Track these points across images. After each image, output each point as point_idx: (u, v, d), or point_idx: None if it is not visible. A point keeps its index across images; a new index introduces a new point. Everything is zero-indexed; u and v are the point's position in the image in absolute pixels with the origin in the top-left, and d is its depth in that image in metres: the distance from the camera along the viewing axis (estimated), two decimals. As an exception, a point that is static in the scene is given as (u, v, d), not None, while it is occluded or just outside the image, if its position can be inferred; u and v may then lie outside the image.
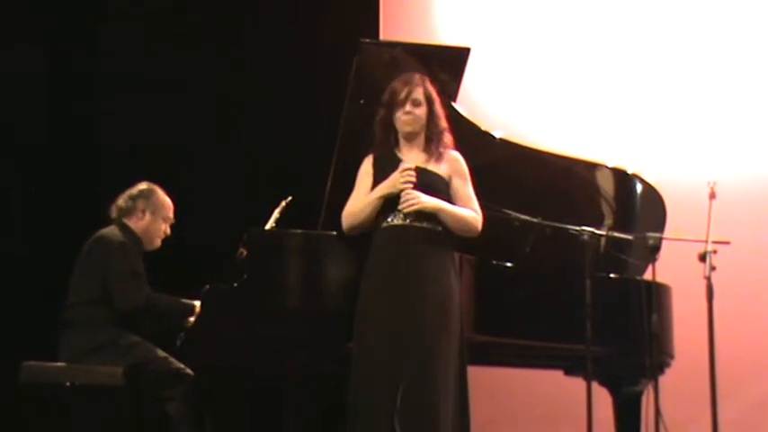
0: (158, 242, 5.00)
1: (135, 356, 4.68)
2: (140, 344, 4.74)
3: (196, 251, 5.81)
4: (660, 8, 6.75)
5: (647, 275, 4.96)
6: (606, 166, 5.28)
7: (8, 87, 6.45)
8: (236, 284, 4.49)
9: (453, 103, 4.86)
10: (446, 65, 4.85)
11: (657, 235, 4.88)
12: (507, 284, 4.82)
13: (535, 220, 4.96)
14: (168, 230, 5.02)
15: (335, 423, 4.49)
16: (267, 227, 4.80)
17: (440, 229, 4.38)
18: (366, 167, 4.51)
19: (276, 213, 4.90)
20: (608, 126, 6.67)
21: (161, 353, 4.72)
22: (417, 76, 4.50)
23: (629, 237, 5.03)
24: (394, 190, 4.36)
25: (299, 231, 4.60)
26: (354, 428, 4.26)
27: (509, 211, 4.92)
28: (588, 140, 6.43)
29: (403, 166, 4.37)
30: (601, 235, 4.99)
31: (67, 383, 4.62)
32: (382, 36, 6.59)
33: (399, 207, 4.35)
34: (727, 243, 4.71)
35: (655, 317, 4.78)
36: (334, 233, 4.54)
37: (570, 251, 4.78)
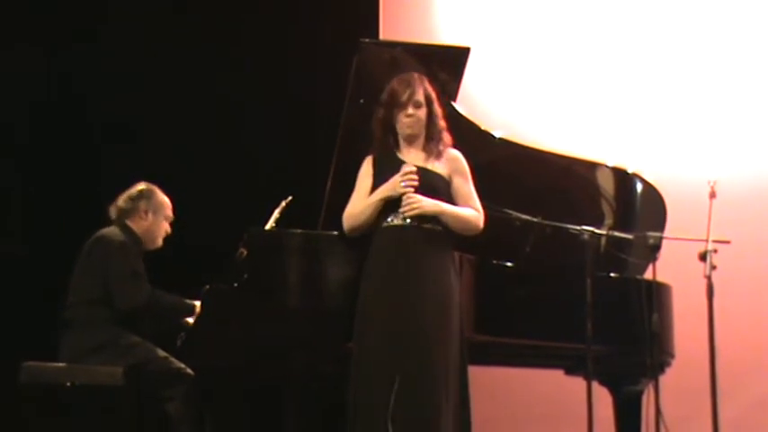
0: (160, 241, 5.02)
1: (135, 356, 4.68)
2: (141, 344, 4.74)
3: (196, 251, 5.81)
4: (660, 7, 6.74)
5: (648, 275, 4.95)
6: (606, 166, 5.28)
7: (8, 87, 6.45)
8: (236, 284, 4.49)
9: (453, 103, 4.86)
10: (446, 65, 4.85)
11: (658, 234, 4.87)
12: (507, 284, 4.82)
13: (535, 219, 4.95)
14: (169, 229, 5.03)
15: (335, 423, 4.49)
16: (267, 227, 4.80)
17: (440, 229, 4.38)
18: (366, 168, 4.51)
19: (276, 213, 4.89)
20: (608, 125, 6.66)
21: (161, 353, 4.72)
22: (416, 76, 4.49)
23: (630, 236, 5.03)
24: (394, 193, 4.35)
25: (299, 231, 4.60)
26: (354, 428, 4.25)
27: (509, 211, 4.91)
28: (588, 140, 6.42)
29: (404, 168, 4.36)
30: (601, 234, 4.99)
31: (68, 384, 4.62)
32: (382, 36, 6.58)
33: (400, 210, 4.35)
34: (728, 242, 4.71)
35: (655, 316, 4.78)
36: (335, 233, 4.54)
37: (570, 250, 4.78)
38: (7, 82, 6.45)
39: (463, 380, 4.34)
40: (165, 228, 5.01)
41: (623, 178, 5.29)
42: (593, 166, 5.28)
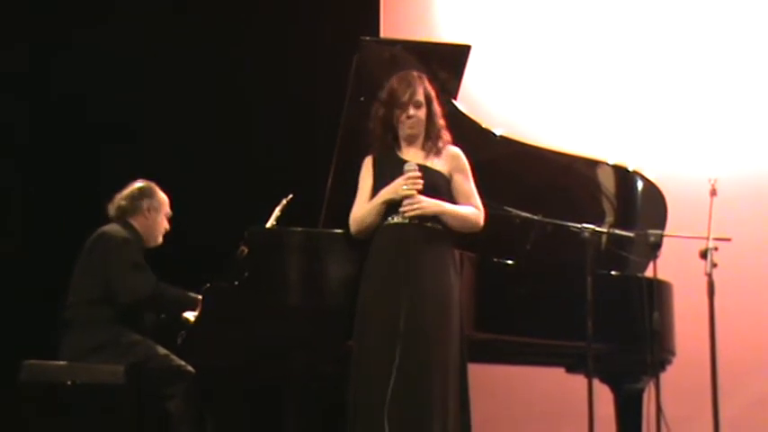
0: (161, 238, 5.03)
1: (136, 355, 4.68)
2: (141, 342, 4.73)
3: (196, 250, 5.81)
4: (660, 6, 6.75)
5: (649, 272, 4.94)
6: (607, 164, 5.28)
7: (8, 87, 6.45)
8: (236, 283, 4.48)
9: (454, 101, 4.86)
10: (446, 62, 4.85)
11: (658, 232, 4.86)
12: (508, 282, 4.82)
13: (536, 217, 4.96)
14: (168, 225, 5.04)
15: (335, 423, 4.48)
16: (268, 225, 4.80)
17: (440, 227, 4.37)
18: (366, 169, 4.51)
19: (277, 211, 4.90)
20: (609, 123, 6.67)
21: (162, 350, 4.71)
22: (415, 75, 4.49)
23: (631, 234, 5.03)
24: (396, 196, 4.35)
25: (299, 229, 4.59)
26: (354, 428, 4.25)
27: (510, 209, 4.91)
28: (589, 137, 6.43)
29: (407, 172, 4.34)
30: (602, 232, 4.98)
31: (68, 382, 4.62)
32: (383, 36, 6.58)
33: (401, 210, 4.34)
34: (729, 240, 4.70)
35: (656, 314, 4.78)
36: (336, 231, 4.53)
37: (571, 248, 4.78)
38: (7, 82, 6.45)
39: (463, 383, 4.33)
40: (165, 225, 5.03)
41: (624, 176, 5.29)
42: (593, 164, 5.29)
